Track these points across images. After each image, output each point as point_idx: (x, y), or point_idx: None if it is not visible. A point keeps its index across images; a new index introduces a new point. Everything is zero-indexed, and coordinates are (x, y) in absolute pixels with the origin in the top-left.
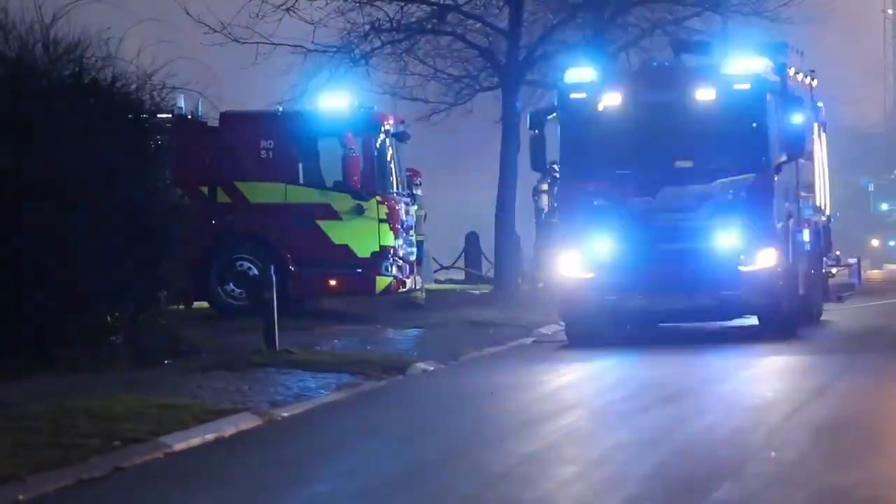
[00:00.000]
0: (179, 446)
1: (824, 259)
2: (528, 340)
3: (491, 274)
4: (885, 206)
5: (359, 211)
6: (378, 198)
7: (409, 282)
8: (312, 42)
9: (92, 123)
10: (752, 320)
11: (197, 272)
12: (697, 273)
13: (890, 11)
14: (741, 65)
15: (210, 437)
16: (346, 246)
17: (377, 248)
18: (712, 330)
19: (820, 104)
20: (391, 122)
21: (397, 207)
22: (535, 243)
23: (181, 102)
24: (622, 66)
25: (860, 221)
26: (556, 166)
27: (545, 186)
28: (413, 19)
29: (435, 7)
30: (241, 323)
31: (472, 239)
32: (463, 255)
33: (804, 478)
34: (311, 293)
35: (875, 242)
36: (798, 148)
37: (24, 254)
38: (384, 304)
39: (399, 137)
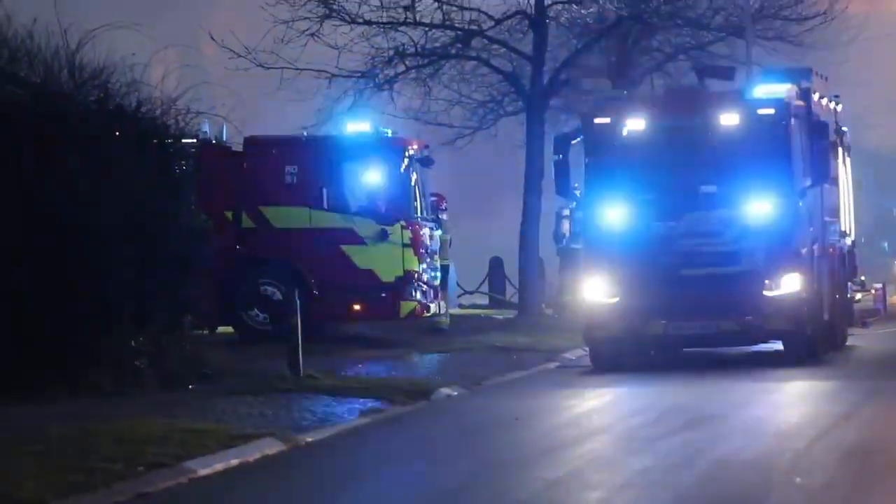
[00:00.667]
0: (204, 471)
1: (849, 284)
2: (553, 365)
3: (515, 299)
4: None
5: (383, 236)
6: (402, 223)
7: (433, 306)
8: (337, 67)
9: (117, 148)
10: (777, 345)
11: (221, 297)
12: (722, 298)
13: None
14: (765, 90)
15: (234, 462)
16: (370, 270)
17: (401, 273)
18: (737, 355)
19: (844, 128)
20: (415, 146)
21: (421, 232)
22: (559, 268)
23: (206, 127)
24: (646, 91)
25: (886, 246)
26: (578, 192)
27: (567, 212)
28: (437, 44)
29: (459, 32)
30: (265, 347)
31: (496, 263)
32: (487, 279)
33: None
34: (335, 318)
35: None
36: (822, 173)
37: (48, 277)
38: (408, 328)
39: (423, 162)
